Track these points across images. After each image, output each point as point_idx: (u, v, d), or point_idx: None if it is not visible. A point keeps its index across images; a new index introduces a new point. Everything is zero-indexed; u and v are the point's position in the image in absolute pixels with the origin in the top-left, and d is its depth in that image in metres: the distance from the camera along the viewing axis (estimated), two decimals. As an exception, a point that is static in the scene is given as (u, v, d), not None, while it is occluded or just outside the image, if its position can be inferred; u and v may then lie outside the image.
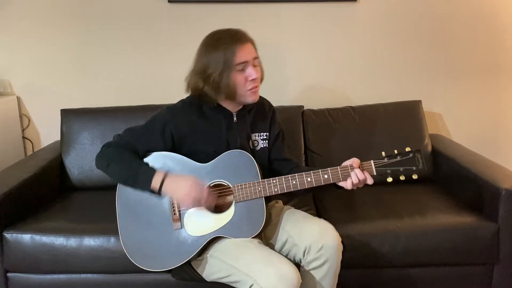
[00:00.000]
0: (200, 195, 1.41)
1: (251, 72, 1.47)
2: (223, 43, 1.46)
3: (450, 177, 2.06)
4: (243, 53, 1.45)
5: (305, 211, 1.83)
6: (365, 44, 2.44)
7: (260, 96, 1.65)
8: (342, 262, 1.45)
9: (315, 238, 1.40)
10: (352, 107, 2.30)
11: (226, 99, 1.52)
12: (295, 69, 2.45)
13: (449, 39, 2.45)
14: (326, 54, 2.45)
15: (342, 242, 1.45)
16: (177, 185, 1.42)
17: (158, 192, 1.43)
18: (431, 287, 1.78)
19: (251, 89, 1.49)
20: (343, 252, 1.45)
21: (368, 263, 1.72)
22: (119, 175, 1.49)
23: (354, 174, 1.43)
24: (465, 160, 1.99)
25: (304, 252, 1.42)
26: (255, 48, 1.52)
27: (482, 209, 1.80)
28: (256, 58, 1.50)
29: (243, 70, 1.47)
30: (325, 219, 1.82)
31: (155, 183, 1.42)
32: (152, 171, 1.44)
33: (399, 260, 1.72)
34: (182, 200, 1.43)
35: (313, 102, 2.39)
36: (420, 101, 2.34)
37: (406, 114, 2.29)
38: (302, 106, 2.31)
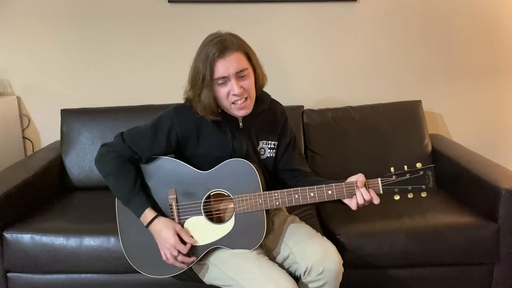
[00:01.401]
0: (175, 255, 1.40)
1: (233, 87, 1.38)
2: (207, 55, 1.37)
3: (450, 177, 2.06)
4: (223, 68, 1.36)
5: (305, 211, 1.85)
6: (365, 44, 2.44)
7: (273, 100, 1.60)
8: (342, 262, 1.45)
9: (317, 260, 1.37)
10: (352, 107, 2.30)
11: (208, 114, 1.45)
12: (295, 69, 2.45)
13: (449, 39, 2.45)
14: (326, 54, 2.45)
15: (346, 258, 1.43)
16: (162, 229, 1.41)
17: (146, 227, 1.44)
18: (431, 287, 1.78)
19: (235, 103, 1.40)
20: (346, 269, 1.43)
21: (368, 263, 1.72)
22: (115, 193, 1.48)
23: (360, 194, 1.36)
24: (465, 160, 1.99)
25: (305, 272, 1.39)
26: (248, 56, 1.42)
27: (482, 209, 1.80)
28: (242, 70, 1.39)
29: (224, 83, 1.39)
30: (325, 219, 1.84)
31: (144, 219, 1.43)
32: (144, 206, 1.43)
33: (399, 260, 1.72)
34: (160, 250, 1.43)
35: (313, 102, 2.39)
36: (420, 101, 2.34)
37: (406, 114, 2.29)
38: (302, 106, 2.31)
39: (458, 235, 1.71)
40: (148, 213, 1.42)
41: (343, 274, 1.44)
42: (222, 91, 1.40)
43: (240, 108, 1.42)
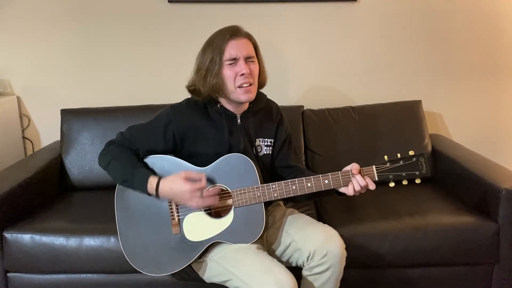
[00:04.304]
0: (198, 191, 1.37)
1: (241, 67, 1.42)
2: (216, 40, 1.45)
3: (450, 177, 2.06)
4: (234, 50, 1.43)
5: (305, 211, 1.84)
6: (365, 44, 2.44)
7: (268, 99, 1.64)
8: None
9: (319, 244, 1.39)
10: (352, 107, 2.30)
11: (217, 96, 1.48)
12: (295, 69, 2.45)
13: (449, 39, 2.45)
14: (326, 54, 2.45)
15: (346, 248, 1.44)
16: (171, 185, 1.39)
17: (156, 196, 1.41)
18: (431, 287, 1.78)
19: (241, 86, 1.44)
20: (346, 269, 1.44)
21: (368, 263, 1.72)
22: (118, 175, 1.47)
23: (356, 181, 1.38)
24: (465, 160, 1.99)
25: (308, 257, 1.40)
26: (254, 46, 1.49)
27: (482, 209, 1.80)
28: (251, 57, 1.46)
29: (233, 65, 1.44)
30: (325, 219, 1.84)
31: (151, 188, 1.41)
32: (147, 175, 1.42)
33: (399, 260, 1.72)
34: (181, 201, 1.41)
35: (313, 102, 2.39)
36: (420, 101, 2.34)
37: (406, 114, 2.29)
38: (302, 106, 2.31)
39: (458, 235, 1.71)
40: (152, 180, 1.41)
41: (343, 273, 1.44)
42: (229, 72, 1.44)
43: (245, 91, 1.45)
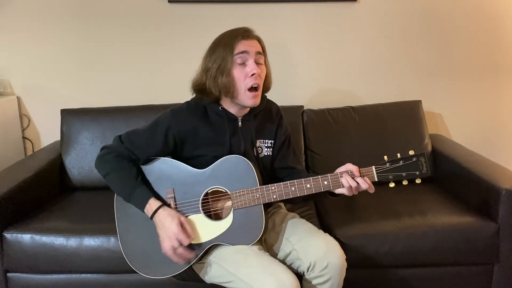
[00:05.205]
0: (175, 246, 1.37)
1: (252, 67, 1.41)
2: (226, 39, 1.44)
3: (450, 177, 2.06)
4: (243, 45, 1.41)
5: (304, 211, 1.85)
6: (365, 44, 2.45)
7: (268, 100, 1.62)
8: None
9: (320, 255, 1.38)
10: (352, 107, 2.30)
11: (225, 97, 1.47)
12: (295, 69, 2.45)
13: (449, 39, 2.45)
14: (326, 54, 2.45)
15: (345, 248, 1.43)
16: (164, 223, 1.39)
17: (150, 218, 1.41)
18: (431, 287, 1.78)
19: (251, 88, 1.42)
20: (346, 269, 1.43)
21: (368, 263, 1.72)
22: (115, 189, 1.47)
23: (355, 183, 1.37)
24: (465, 160, 1.99)
25: (308, 268, 1.40)
26: (263, 49, 1.48)
27: (482, 209, 1.80)
28: (260, 54, 1.45)
29: (243, 64, 1.42)
30: (325, 219, 1.84)
31: (149, 209, 1.41)
32: (148, 195, 1.42)
33: (399, 260, 1.72)
34: (161, 241, 1.40)
35: (313, 102, 2.39)
36: (420, 101, 2.34)
37: (406, 114, 2.29)
38: (302, 106, 2.31)
39: (458, 235, 1.71)
40: (153, 203, 1.41)
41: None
42: (238, 72, 1.42)
43: (253, 96, 1.44)
